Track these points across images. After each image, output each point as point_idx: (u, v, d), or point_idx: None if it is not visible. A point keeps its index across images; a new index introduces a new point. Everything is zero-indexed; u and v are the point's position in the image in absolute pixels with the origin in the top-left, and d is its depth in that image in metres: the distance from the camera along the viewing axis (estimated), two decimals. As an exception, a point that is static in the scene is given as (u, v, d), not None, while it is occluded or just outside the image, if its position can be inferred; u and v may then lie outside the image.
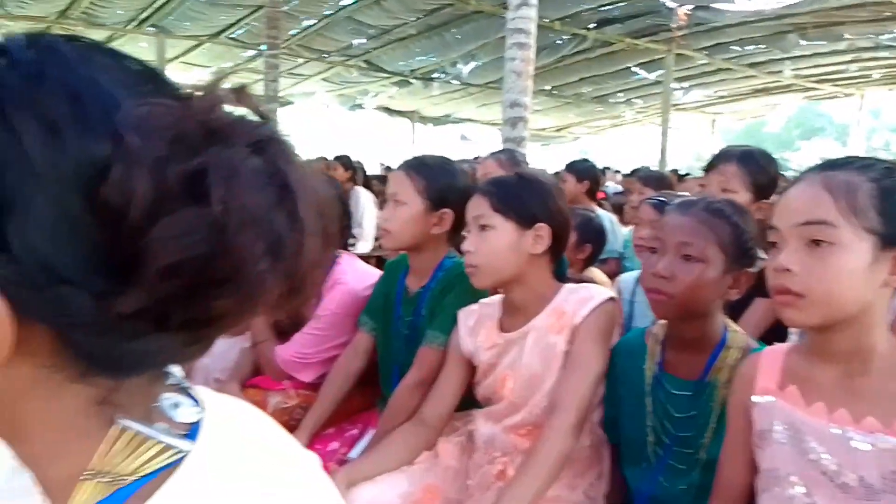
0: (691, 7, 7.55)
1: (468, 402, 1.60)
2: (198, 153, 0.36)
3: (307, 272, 0.41)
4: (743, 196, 1.94)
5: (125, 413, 0.41)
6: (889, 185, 0.96)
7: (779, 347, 1.17)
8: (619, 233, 3.35)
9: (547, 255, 1.45)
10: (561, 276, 1.52)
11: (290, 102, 11.93)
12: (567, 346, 1.40)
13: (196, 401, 0.46)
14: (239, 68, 9.67)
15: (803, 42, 8.77)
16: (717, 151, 2.18)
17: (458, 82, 11.29)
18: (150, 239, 0.35)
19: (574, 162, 3.59)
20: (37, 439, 0.41)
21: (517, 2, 3.48)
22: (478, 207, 1.44)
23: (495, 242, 1.41)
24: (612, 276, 2.76)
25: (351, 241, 2.17)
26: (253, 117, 0.40)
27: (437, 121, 14.24)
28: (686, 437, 1.33)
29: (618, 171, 9.67)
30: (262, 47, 7.21)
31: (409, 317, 1.79)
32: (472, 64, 10.31)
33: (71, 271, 0.35)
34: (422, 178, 1.70)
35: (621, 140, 18.40)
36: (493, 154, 2.90)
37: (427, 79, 11.02)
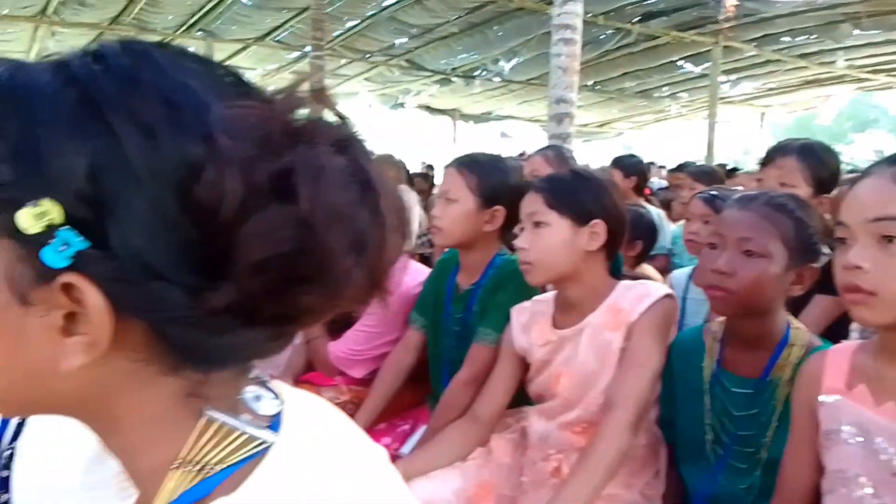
0: (739, -2, 7.39)
1: (519, 399, 1.60)
2: (284, 153, 0.37)
3: (387, 267, 0.42)
4: (802, 190, 1.89)
5: (212, 405, 0.42)
6: None
7: (846, 345, 1.14)
8: (667, 229, 3.30)
9: (602, 251, 1.44)
10: (616, 273, 1.51)
11: (333, 103, 12.03)
12: (623, 343, 1.38)
13: (275, 393, 0.47)
14: (284, 70, 9.83)
15: (857, 31, 8.50)
16: (774, 145, 2.13)
17: (500, 79, 11.26)
18: (241, 236, 0.36)
19: (621, 157, 3.54)
20: (129, 430, 0.42)
21: (563, -3, 3.47)
22: (532, 204, 1.43)
23: (550, 239, 1.41)
24: (661, 272, 2.72)
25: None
26: (331, 118, 0.41)
27: (478, 118, 14.22)
28: (746, 435, 1.30)
29: (662, 167, 9.50)
30: (307, 49, 7.31)
31: (460, 314, 1.79)
32: (514, 61, 10.26)
33: (165, 268, 0.36)
34: (474, 175, 1.70)
35: (664, 135, 18.11)
36: (540, 151, 2.89)
37: (468, 76, 11.02)
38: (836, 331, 1.77)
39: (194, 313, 0.37)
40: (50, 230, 0.35)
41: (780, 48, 9.61)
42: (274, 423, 0.44)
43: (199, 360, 0.41)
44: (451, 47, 9.54)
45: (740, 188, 2.83)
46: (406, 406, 1.95)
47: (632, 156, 3.54)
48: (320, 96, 0.40)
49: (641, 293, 1.40)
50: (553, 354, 1.48)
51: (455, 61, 10.39)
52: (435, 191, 3.80)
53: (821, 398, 1.09)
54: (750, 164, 9.57)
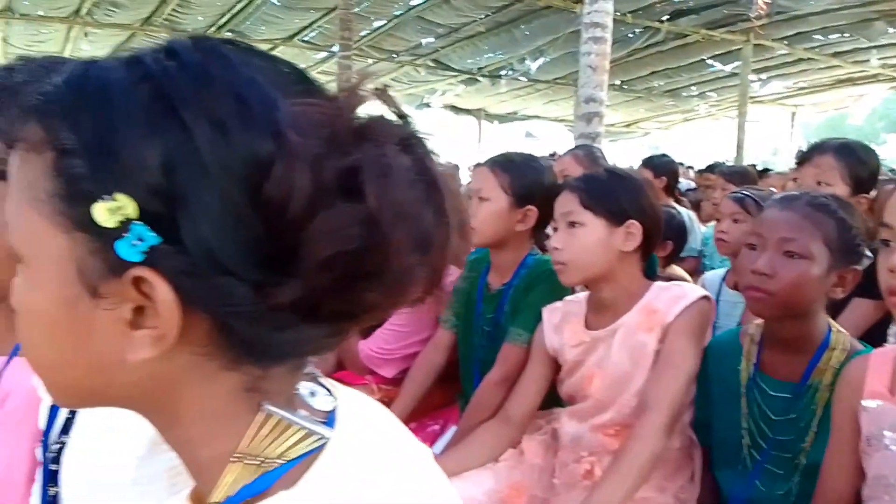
0: (772, -5, 7.28)
1: (550, 400, 1.59)
2: (350, 151, 0.37)
3: (446, 266, 0.42)
4: (840, 189, 1.86)
5: (270, 400, 0.42)
6: None
7: (888, 350, 1.12)
8: (697, 231, 3.27)
9: (637, 252, 1.43)
10: (651, 274, 1.49)
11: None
12: (658, 344, 1.37)
13: (328, 389, 0.48)
14: (312, 70, 9.89)
15: (891, 30, 8.33)
16: (812, 144, 2.10)
17: (526, 79, 11.22)
18: (308, 233, 0.36)
19: (651, 157, 3.51)
20: (189, 423, 0.43)
21: (594, -5, 3.44)
22: (567, 204, 1.42)
23: (585, 239, 1.40)
24: (691, 274, 2.70)
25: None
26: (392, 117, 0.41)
27: (503, 118, 14.19)
28: (785, 440, 1.28)
29: (690, 167, 9.40)
30: (334, 49, 7.35)
31: (491, 314, 1.79)
32: (541, 60, 10.23)
33: (233, 263, 0.36)
34: (506, 174, 1.69)
35: (691, 135, 17.91)
36: (570, 150, 2.87)
37: (495, 76, 11.00)
38: (873, 335, 1.74)
39: (259, 309, 0.37)
40: (124, 224, 0.36)
41: (812, 46, 9.45)
42: (329, 419, 0.45)
43: (260, 355, 0.41)
44: (478, 47, 9.54)
45: (774, 189, 2.78)
46: (436, 406, 1.95)
47: (663, 155, 3.50)
48: (383, 95, 0.40)
49: (677, 294, 1.39)
50: (585, 355, 1.47)
51: (481, 61, 10.38)
52: (461, 190, 3.80)
53: (863, 403, 1.07)
54: (779, 164, 9.43)
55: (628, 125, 15.31)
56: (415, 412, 1.87)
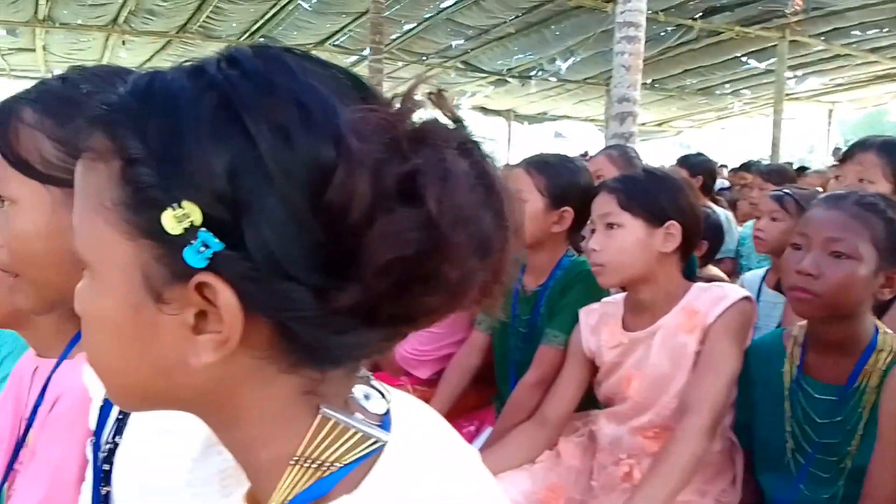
0: (808, -9, 7.15)
1: (586, 401, 1.58)
2: (410, 156, 0.37)
3: (506, 270, 0.42)
4: (883, 187, 1.83)
5: (327, 403, 0.43)
6: None
7: (939, 351, 1.09)
8: (734, 231, 3.21)
9: (676, 253, 1.41)
10: (690, 275, 1.47)
11: (389, 105, 12.18)
12: (698, 346, 1.36)
13: (381, 392, 0.48)
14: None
15: (932, 24, 8.11)
16: (854, 141, 2.06)
17: (556, 79, 11.16)
18: (368, 238, 0.36)
19: (687, 156, 3.46)
20: (247, 425, 0.43)
21: (627, -6, 3.41)
22: (604, 205, 1.42)
23: (623, 241, 1.39)
24: (728, 275, 2.65)
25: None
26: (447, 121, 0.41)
27: (533, 119, 14.13)
28: (830, 443, 1.26)
29: (724, 166, 9.26)
30: (365, 52, 7.40)
31: (527, 315, 1.78)
32: (571, 60, 10.16)
33: (295, 268, 0.37)
34: (542, 175, 1.69)
35: (724, 134, 17.63)
36: (604, 150, 2.84)
37: (524, 77, 10.96)
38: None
39: (319, 313, 0.38)
40: (190, 231, 0.36)
41: (849, 42, 9.23)
42: (384, 421, 0.45)
43: (319, 358, 0.41)
44: (507, 48, 9.52)
45: (820, 189, 2.73)
46: (471, 407, 1.95)
47: (699, 154, 3.45)
48: (439, 99, 0.40)
49: (718, 295, 1.37)
50: (624, 357, 1.46)
51: (511, 62, 10.35)
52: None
53: (913, 406, 1.04)
54: (816, 162, 9.23)
55: (660, 124, 15.13)
56: (450, 413, 1.87)
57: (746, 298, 1.38)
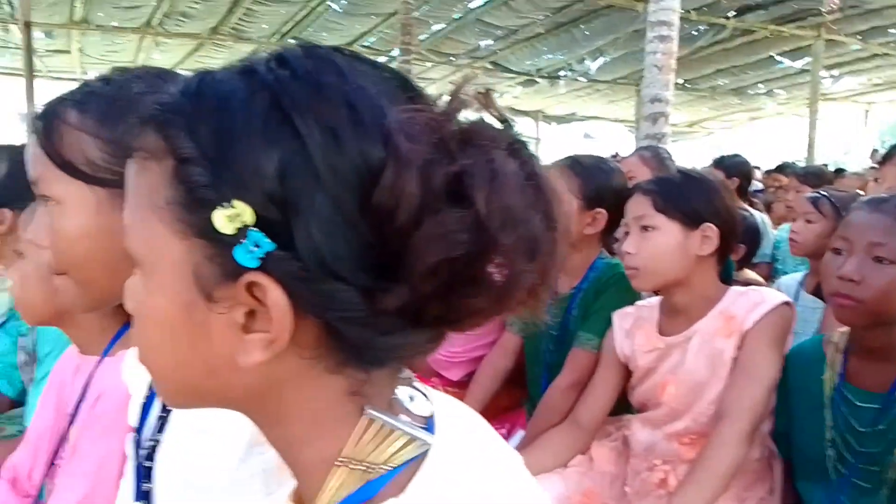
0: (845, -11, 7.00)
1: (618, 406, 1.57)
2: (458, 156, 0.37)
3: (554, 272, 0.41)
4: (927, 191, 1.77)
5: (372, 404, 0.43)
6: None
7: None
8: (770, 235, 3.15)
9: (713, 256, 1.39)
10: (726, 278, 1.45)
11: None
12: (736, 351, 1.33)
13: (424, 394, 0.48)
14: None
15: (974, 22, 7.89)
16: (894, 143, 2.00)
17: (586, 79, 11.09)
18: (416, 238, 0.36)
19: (722, 157, 3.40)
20: (293, 424, 0.43)
21: (660, -7, 3.38)
22: (639, 207, 1.40)
23: (659, 243, 1.37)
24: (763, 280, 2.61)
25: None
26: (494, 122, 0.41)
27: (562, 119, 14.06)
28: (873, 453, 1.23)
29: (756, 168, 9.10)
30: (394, 53, 7.42)
31: (559, 318, 1.77)
32: (601, 60, 10.09)
33: (343, 268, 0.37)
34: (576, 176, 1.67)
35: (756, 135, 17.33)
36: (636, 151, 2.81)
37: (553, 77, 10.91)
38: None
39: (366, 313, 0.38)
40: (241, 231, 0.36)
41: (887, 41, 9.03)
42: (429, 424, 0.45)
43: (365, 359, 0.41)
44: (536, 48, 9.47)
45: (861, 192, 2.67)
46: (502, 409, 1.94)
47: (735, 155, 3.38)
48: (485, 100, 0.40)
49: (756, 300, 1.34)
50: (659, 362, 1.44)
51: (540, 62, 10.30)
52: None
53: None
54: (852, 164, 9.03)
55: (691, 125, 14.95)
56: (481, 415, 1.86)
57: (786, 304, 1.35)
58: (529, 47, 9.44)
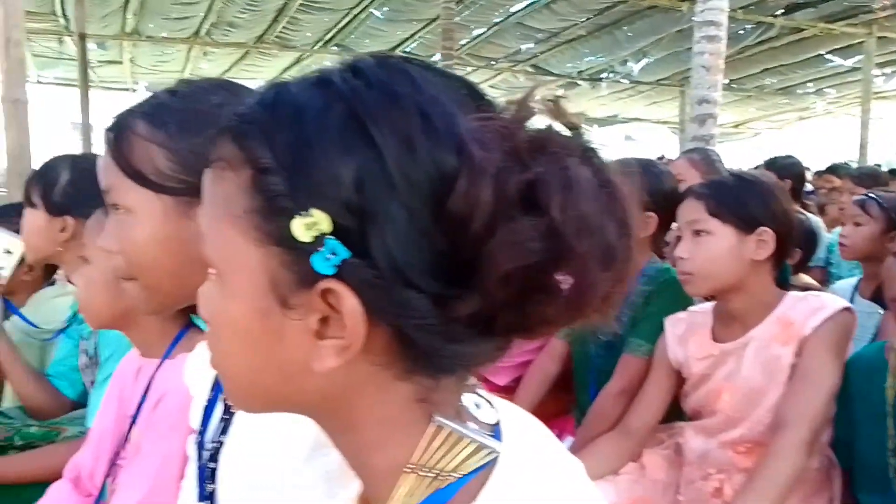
0: (899, -16, 6.78)
1: (670, 413, 1.54)
2: (531, 164, 0.37)
3: (628, 280, 0.41)
4: None
5: (440, 411, 0.43)
6: None
7: None
8: (823, 238, 3.06)
9: (769, 260, 1.35)
10: (783, 283, 1.41)
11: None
12: (794, 358, 1.30)
13: (489, 401, 0.48)
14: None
15: None
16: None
17: (628, 81, 10.96)
18: (490, 247, 0.36)
19: (775, 158, 3.31)
20: (363, 430, 0.44)
21: (707, -8, 3.32)
22: (692, 211, 1.37)
23: (713, 248, 1.34)
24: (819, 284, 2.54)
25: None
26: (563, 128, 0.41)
27: (603, 122, 13.92)
28: (939, 465, 1.18)
29: (807, 169, 8.86)
30: (435, 58, 7.44)
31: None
32: (644, 61, 9.97)
33: (416, 275, 0.37)
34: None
35: (805, 135, 16.88)
36: (684, 154, 2.77)
37: (595, 79, 10.81)
38: None
39: (438, 321, 0.38)
40: (318, 239, 0.37)
41: (943, 37, 8.72)
42: (496, 431, 0.44)
43: (434, 366, 0.41)
44: (578, 50, 9.41)
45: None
46: (550, 416, 1.92)
47: (788, 157, 3.29)
48: (556, 107, 0.40)
49: (815, 306, 1.31)
50: (713, 369, 1.41)
51: (581, 64, 10.24)
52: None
53: None
54: (905, 165, 8.72)
55: (737, 126, 14.65)
56: (528, 421, 1.86)
57: (846, 309, 1.31)
58: (570, 50, 9.39)
